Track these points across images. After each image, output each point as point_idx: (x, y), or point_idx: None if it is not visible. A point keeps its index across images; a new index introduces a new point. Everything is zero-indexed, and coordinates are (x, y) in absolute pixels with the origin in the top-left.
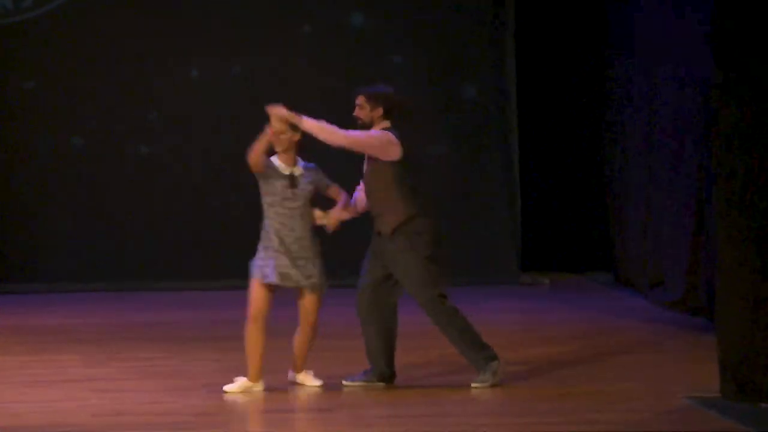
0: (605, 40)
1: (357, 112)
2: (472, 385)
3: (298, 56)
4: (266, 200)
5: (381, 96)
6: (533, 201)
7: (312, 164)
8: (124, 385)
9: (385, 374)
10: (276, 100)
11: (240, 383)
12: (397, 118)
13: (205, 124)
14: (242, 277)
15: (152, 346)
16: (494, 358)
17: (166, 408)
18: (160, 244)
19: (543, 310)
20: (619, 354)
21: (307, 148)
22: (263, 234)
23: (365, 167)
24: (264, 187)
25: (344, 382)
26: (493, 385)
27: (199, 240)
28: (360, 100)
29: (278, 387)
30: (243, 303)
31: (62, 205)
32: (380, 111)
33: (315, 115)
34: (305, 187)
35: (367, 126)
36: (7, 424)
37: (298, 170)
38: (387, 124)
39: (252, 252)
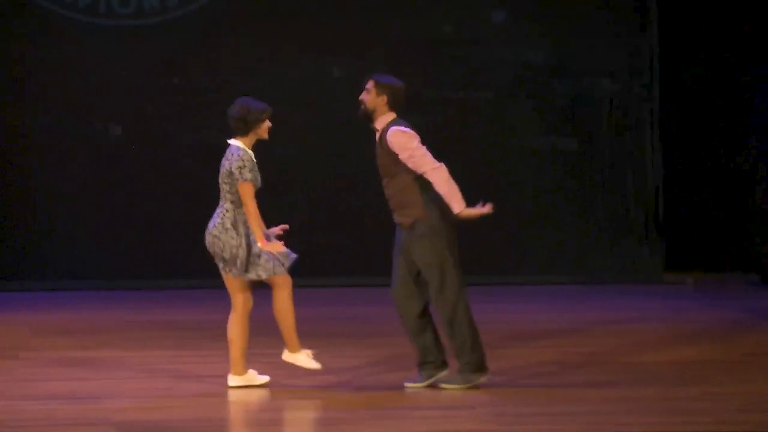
0: (752, 32)
1: (363, 95)
2: (442, 385)
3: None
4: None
5: (389, 86)
6: (676, 199)
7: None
8: (269, 382)
9: (440, 363)
10: (415, 100)
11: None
12: (401, 110)
13: (345, 125)
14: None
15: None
16: (482, 370)
17: (306, 403)
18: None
19: (687, 309)
20: (765, 355)
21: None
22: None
23: (383, 160)
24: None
25: (407, 384)
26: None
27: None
28: (370, 84)
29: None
30: (375, 300)
31: None
32: (384, 99)
33: (453, 112)
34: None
35: (367, 112)
36: (156, 418)
37: None
38: (393, 115)
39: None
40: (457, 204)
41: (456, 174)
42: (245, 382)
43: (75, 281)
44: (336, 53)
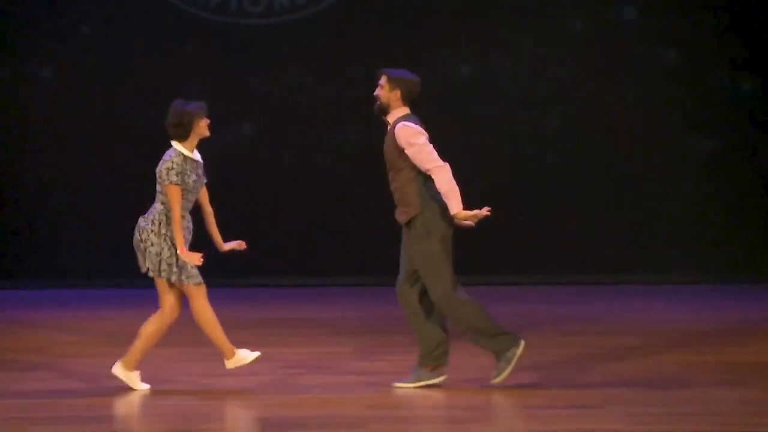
0: None
1: (377, 91)
2: (492, 381)
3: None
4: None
5: (402, 80)
6: None
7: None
8: (394, 379)
9: (443, 361)
10: (542, 97)
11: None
12: (415, 105)
13: (478, 121)
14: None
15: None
16: (513, 343)
17: (437, 401)
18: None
19: None
20: None
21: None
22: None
23: (390, 154)
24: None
25: (396, 384)
26: (502, 373)
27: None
28: (383, 80)
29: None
30: (500, 298)
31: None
32: (398, 94)
33: (576, 108)
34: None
35: (382, 107)
36: (281, 415)
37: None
38: (406, 110)
39: None
40: (455, 204)
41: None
42: (126, 379)
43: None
44: (464, 51)
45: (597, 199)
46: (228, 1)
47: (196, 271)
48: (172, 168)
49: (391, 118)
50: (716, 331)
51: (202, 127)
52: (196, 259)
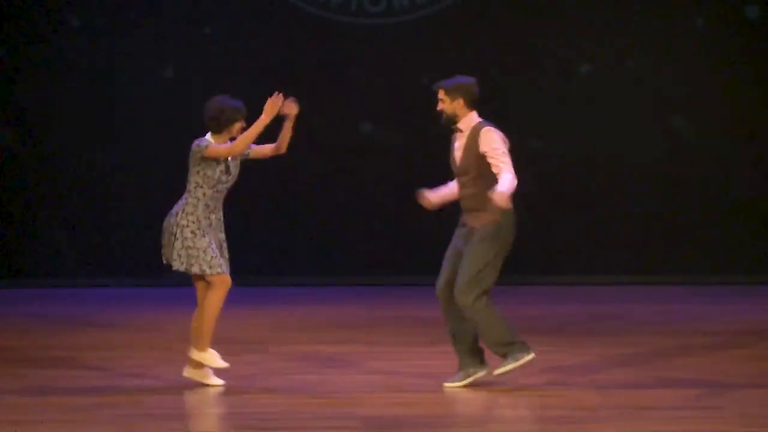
0: None
1: (439, 106)
2: (494, 372)
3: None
4: (196, 181)
5: (460, 87)
6: None
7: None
8: (512, 380)
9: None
10: (658, 97)
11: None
12: (478, 106)
13: (599, 122)
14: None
15: (538, 339)
16: (525, 351)
17: (549, 402)
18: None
19: None
20: None
21: None
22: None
23: (467, 159)
24: (202, 171)
25: (446, 385)
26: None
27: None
28: (440, 93)
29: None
30: (606, 298)
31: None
32: (461, 102)
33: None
34: (235, 171)
35: (449, 118)
36: (399, 414)
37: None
38: (474, 113)
39: None
40: (507, 190)
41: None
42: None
43: (316, 277)
44: (584, 48)
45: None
46: (349, 1)
47: (218, 262)
48: (202, 145)
49: (463, 125)
50: None
51: (237, 129)
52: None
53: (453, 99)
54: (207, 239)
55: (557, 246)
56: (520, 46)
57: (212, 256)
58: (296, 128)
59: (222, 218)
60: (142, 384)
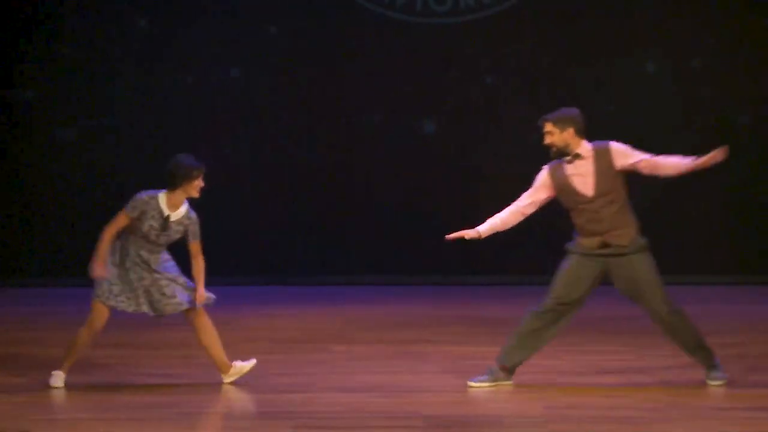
0: None
1: (548, 140)
2: (709, 382)
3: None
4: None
5: (566, 118)
6: None
7: (194, 213)
8: (578, 380)
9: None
10: (733, 94)
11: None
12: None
13: (662, 117)
14: None
15: (606, 339)
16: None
17: (617, 402)
18: None
19: None
20: None
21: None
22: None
23: (603, 180)
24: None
25: (471, 383)
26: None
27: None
28: (548, 126)
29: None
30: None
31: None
32: (571, 131)
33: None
34: (173, 235)
35: (561, 150)
36: (457, 413)
37: (176, 214)
38: (585, 142)
39: None
40: (688, 162)
41: None
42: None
43: (376, 275)
44: (650, 48)
45: None
46: (414, 1)
47: (104, 290)
48: (136, 202)
49: (582, 151)
50: None
51: (193, 187)
52: (99, 272)
53: (563, 130)
54: (116, 270)
55: None
56: (584, 45)
57: (106, 286)
58: (369, 126)
59: (164, 260)
60: (184, 383)
